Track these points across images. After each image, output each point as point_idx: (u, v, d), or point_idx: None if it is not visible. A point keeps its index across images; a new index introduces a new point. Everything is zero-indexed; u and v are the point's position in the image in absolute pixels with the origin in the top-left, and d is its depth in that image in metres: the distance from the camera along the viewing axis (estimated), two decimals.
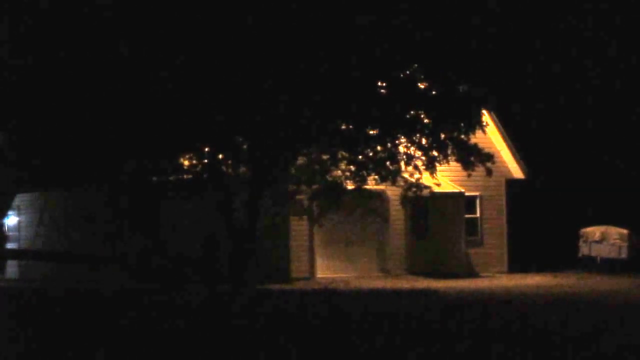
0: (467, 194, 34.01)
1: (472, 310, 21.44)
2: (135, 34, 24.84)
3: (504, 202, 35.86)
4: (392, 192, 32.35)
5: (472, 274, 33.41)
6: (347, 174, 27.12)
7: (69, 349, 15.64)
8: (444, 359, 14.43)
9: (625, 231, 35.22)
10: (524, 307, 22.06)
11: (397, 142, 26.62)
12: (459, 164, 27.37)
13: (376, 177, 27.09)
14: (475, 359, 14.46)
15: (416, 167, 26.91)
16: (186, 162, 27.27)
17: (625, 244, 34.90)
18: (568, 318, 19.45)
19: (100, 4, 24.75)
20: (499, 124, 34.57)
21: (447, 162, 27.19)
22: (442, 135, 26.51)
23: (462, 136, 26.52)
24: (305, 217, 30.74)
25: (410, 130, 26.26)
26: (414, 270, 33.13)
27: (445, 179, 32.29)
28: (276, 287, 28.25)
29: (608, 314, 20.35)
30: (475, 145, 27.00)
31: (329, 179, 27.18)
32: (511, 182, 36.15)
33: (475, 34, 26.48)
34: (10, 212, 34.83)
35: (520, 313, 20.58)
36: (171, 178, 27.94)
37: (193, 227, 31.79)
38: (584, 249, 35.68)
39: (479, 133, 27.56)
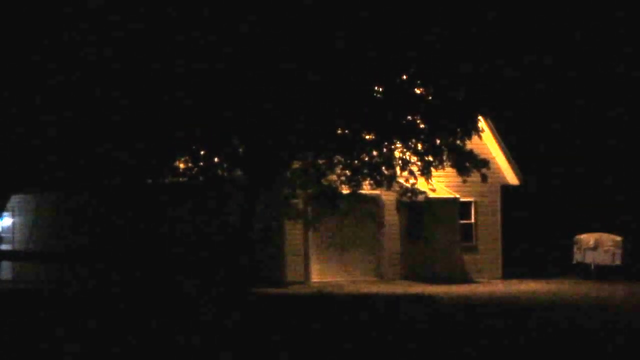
0: (462, 199, 34.07)
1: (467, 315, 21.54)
2: (131, 37, 24.76)
3: (498, 208, 35.91)
4: (387, 196, 32.40)
5: (466, 279, 33.46)
6: (343, 178, 27.10)
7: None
8: None
9: (619, 238, 35.27)
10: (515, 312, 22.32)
11: (392, 147, 26.62)
12: (454, 170, 27.38)
13: (371, 181, 27.09)
14: None
15: (411, 173, 26.90)
16: (182, 165, 27.23)
17: (619, 251, 34.94)
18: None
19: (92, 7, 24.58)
20: (494, 130, 34.63)
21: (443, 167, 27.21)
22: (438, 141, 26.53)
23: (458, 142, 26.55)
24: (300, 221, 30.72)
25: (407, 135, 26.26)
26: (409, 275, 33.15)
27: (441, 184, 32.34)
28: (270, 290, 28.27)
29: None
30: (471, 151, 27.00)
31: (324, 183, 27.17)
32: (506, 188, 36.21)
33: (472, 40, 26.45)
34: (4, 214, 34.78)
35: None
36: (166, 180, 27.93)
37: (188, 229, 31.76)
38: (578, 256, 35.71)
39: (474, 139, 27.55)
